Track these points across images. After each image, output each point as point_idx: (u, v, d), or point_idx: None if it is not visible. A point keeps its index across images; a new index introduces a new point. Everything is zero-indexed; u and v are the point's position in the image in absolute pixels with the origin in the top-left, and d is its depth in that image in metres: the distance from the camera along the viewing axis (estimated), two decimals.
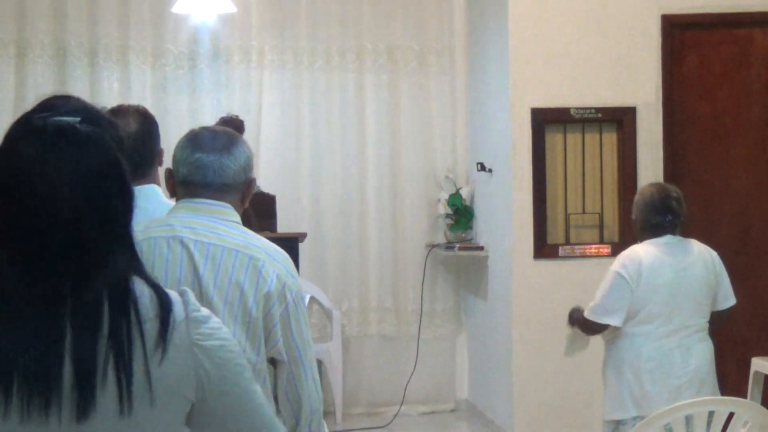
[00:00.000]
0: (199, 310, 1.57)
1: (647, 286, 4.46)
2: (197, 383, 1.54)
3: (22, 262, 1.46)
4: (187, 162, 2.67)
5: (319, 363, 6.88)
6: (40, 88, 6.93)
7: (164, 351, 1.49)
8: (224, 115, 6.26)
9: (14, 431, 1.42)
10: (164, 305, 1.52)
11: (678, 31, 6.23)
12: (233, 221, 2.68)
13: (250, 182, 2.74)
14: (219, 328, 1.59)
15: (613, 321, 4.54)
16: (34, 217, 1.46)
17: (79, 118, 1.51)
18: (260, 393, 1.64)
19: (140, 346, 1.47)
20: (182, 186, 2.69)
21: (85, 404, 1.43)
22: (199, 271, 2.57)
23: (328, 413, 6.89)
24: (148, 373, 1.47)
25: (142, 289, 1.52)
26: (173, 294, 1.56)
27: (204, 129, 2.76)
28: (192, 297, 1.58)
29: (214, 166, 2.66)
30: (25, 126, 1.51)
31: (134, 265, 1.54)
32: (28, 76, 6.94)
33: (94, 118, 1.54)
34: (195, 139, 2.70)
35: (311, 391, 2.68)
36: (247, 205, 2.78)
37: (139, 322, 1.48)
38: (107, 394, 1.44)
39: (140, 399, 1.47)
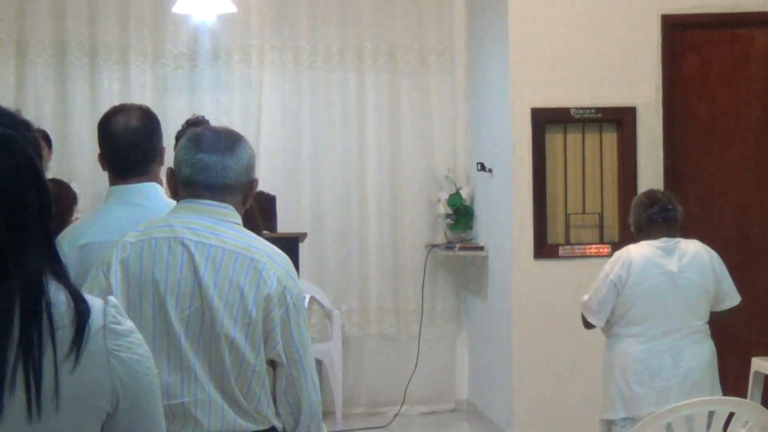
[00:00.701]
0: (119, 323, 1.55)
1: (634, 289, 4.48)
2: (113, 394, 1.52)
3: None
4: (189, 162, 2.67)
5: (319, 363, 6.88)
6: (40, 88, 6.93)
7: (77, 359, 1.47)
8: (191, 116, 6.28)
9: None
10: (81, 313, 1.50)
11: (678, 31, 6.23)
12: (234, 222, 2.67)
13: (251, 182, 2.74)
14: (139, 344, 1.57)
15: (594, 320, 4.59)
16: None
17: None
18: (161, 415, 1.63)
19: (51, 353, 1.45)
20: (184, 186, 2.69)
21: None
22: (199, 272, 2.57)
23: (328, 413, 6.90)
24: (57, 380, 1.45)
25: (58, 295, 1.50)
26: (95, 301, 1.54)
27: (206, 129, 2.76)
28: (115, 308, 1.56)
29: (217, 166, 2.66)
30: None
31: (53, 267, 1.52)
32: (28, 76, 6.93)
33: (5, 120, 1.52)
34: (197, 140, 2.69)
35: (310, 394, 2.68)
36: (248, 205, 2.78)
37: (52, 328, 1.46)
38: (15, 400, 1.43)
39: (49, 406, 1.45)
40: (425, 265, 7.20)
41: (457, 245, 7.02)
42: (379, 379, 7.27)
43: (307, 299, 6.52)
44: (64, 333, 1.48)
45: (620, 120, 6.22)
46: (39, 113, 6.89)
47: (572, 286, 5.98)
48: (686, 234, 4.72)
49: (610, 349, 4.63)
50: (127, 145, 3.16)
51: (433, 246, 7.19)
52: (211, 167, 2.65)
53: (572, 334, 5.96)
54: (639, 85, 6.19)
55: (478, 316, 7.09)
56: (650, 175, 6.16)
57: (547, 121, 6.20)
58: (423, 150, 7.31)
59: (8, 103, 6.86)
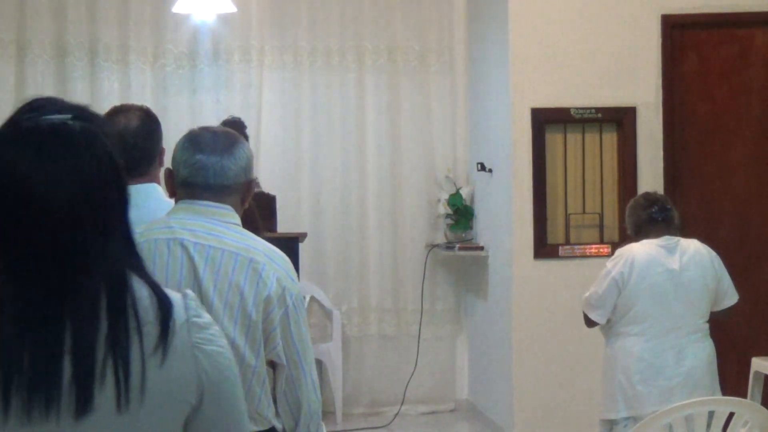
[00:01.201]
0: (200, 316, 1.56)
1: (636, 287, 4.48)
2: (198, 387, 1.53)
3: (19, 263, 1.45)
4: (187, 163, 2.66)
5: (319, 363, 6.88)
6: (40, 88, 6.93)
7: (164, 354, 1.49)
8: (227, 117, 6.29)
9: None
10: (164, 307, 1.51)
11: (678, 31, 6.23)
12: (233, 223, 2.67)
13: (250, 183, 2.73)
14: (219, 336, 1.58)
15: (595, 317, 4.59)
16: (32, 220, 1.45)
17: (69, 116, 1.50)
18: (245, 406, 1.64)
19: (138, 347, 1.46)
20: (182, 187, 2.69)
21: (83, 401, 1.42)
22: (199, 273, 2.57)
23: (328, 413, 6.89)
24: (144, 374, 1.46)
25: (141, 290, 1.51)
26: (174, 295, 1.55)
27: (204, 130, 2.75)
28: (194, 301, 1.57)
29: (215, 167, 2.65)
30: (14, 129, 1.49)
31: (133, 262, 1.52)
32: (28, 76, 6.94)
33: (85, 115, 1.52)
34: (195, 140, 2.69)
35: (310, 394, 2.68)
36: (247, 205, 2.77)
37: (138, 323, 1.47)
38: (105, 392, 1.44)
39: (136, 399, 1.46)
40: (425, 265, 7.20)
41: (457, 245, 7.02)
42: (379, 379, 7.27)
43: (307, 299, 6.53)
44: (150, 328, 1.49)
45: (620, 120, 6.22)
46: None
47: (572, 286, 5.98)
48: (686, 234, 4.72)
49: (611, 348, 4.63)
50: (127, 145, 3.16)
51: (433, 246, 7.19)
52: (210, 168, 2.65)
53: (572, 334, 5.96)
54: (639, 85, 6.19)
55: (478, 316, 7.09)
56: (650, 175, 6.16)
57: (547, 121, 6.20)
58: (423, 150, 7.31)
59: (8, 103, 6.87)
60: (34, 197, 1.45)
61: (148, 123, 3.24)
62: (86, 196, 1.47)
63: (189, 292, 1.60)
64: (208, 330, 1.56)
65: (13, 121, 1.50)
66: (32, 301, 1.44)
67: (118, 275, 1.49)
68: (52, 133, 1.47)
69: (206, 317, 1.57)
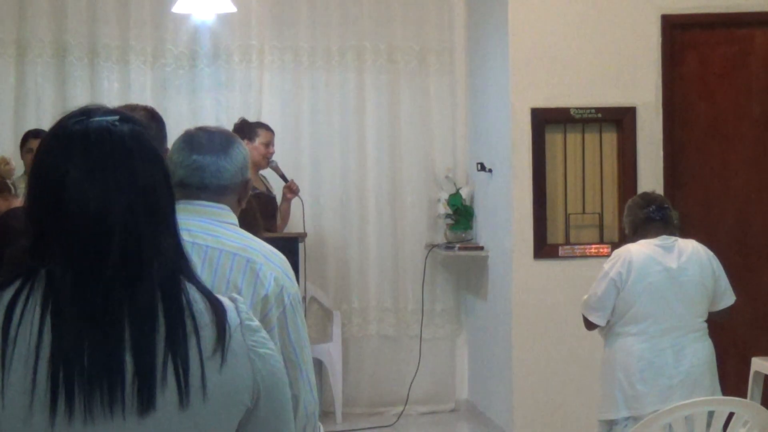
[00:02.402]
0: (251, 319, 1.58)
1: (635, 286, 4.48)
2: (253, 389, 1.55)
3: (77, 264, 1.46)
4: (183, 164, 2.66)
5: (320, 363, 6.88)
6: (40, 88, 6.93)
7: (223, 356, 1.51)
8: (236, 120, 6.39)
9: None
10: (219, 311, 1.53)
11: (678, 31, 6.23)
12: (230, 223, 2.67)
13: (246, 182, 2.74)
14: (269, 340, 1.61)
15: (595, 319, 4.59)
16: (88, 225, 1.46)
17: (117, 117, 1.51)
18: (292, 408, 1.67)
19: (196, 348, 1.48)
20: (179, 188, 2.68)
21: (147, 400, 1.44)
22: None
23: (329, 413, 6.89)
24: (203, 373, 1.48)
25: (194, 294, 1.52)
26: (224, 299, 1.57)
27: (200, 130, 2.75)
28: (243, 305, 1.59)
29: (211, 168, 2.65)
30: (65, 133, 1.50)
31: (183, 266, 1.54)
32: (28, 76, 6.93)
33: (129, 117, 1.53)
34: (191, 141, 2.69)
35: (307, 395, 2.67)
36: (243, 205, 2.78)
37: (195, 326, 1.49)
38: (167, 392, 1.46)
39: (196, 399, 1.48)
40: (425, 265, 7.20)
41: (457, 245, 7.02)
42: (379, 379, 7.27)
43: (307, 300, 6.53)
44: (207, 331, 1.50)
45: (620, 120, 6.22)
46: (39, 113, 6.89)
47: (572, 286, 5.98)
48: (685, 234, 4.72)
49: (611, 348, 4.63)
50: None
51: (433, 246, 7.19)
52: (206, 168, 2.65)
53: (572, 334, 5.96)
54: (639, 85, 6.19)
55: (478, 316, 7.09)
56: (650, 175, 6.16)
57: (547, 121, 6.20)
58: (423, 150, 7.31)
59: (8, 103, 6.87)
60: (89, 202, 1.46)
61: (152, 123, 3.25)
62: (141, 199, 1.48)
63: (237, 296, 1.61)
64: (260, 333, 1.58)
65: (62, 125, 1.51)
66: (90, 302, 1.45)
67: (172, 278, 1.50)
68: (101, 135, 1.49)
69: (256, 321, 1.60)
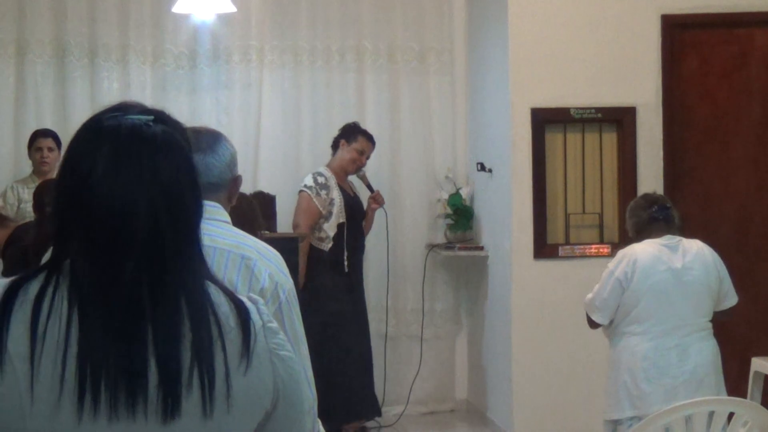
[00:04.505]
0: (272, 321, 1.58)
1: (639, 286, 4.48)
2: (274, 392, 1.54)
3: (101, 264, 1.45)
4: None
5: None
6: (40, 88, 6.93)
7: (249, 361, 1.50)
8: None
9: (103, 430, 1.42)
10: (243, 313, 1.52)
11: (678, 31, 6.23)
12: (222, 221, 2.68)
13: (236, 179, 2.74)
14: (287, 341, 1.60)
15: (599, 318, 4.59)
16: (111, 221, 1.45)
17: (152, 117, 1.51)
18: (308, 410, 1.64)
19: (222, 354, 1.47)
20: None
21: (171, 406, 1.43)
22: None
23: None
24: (229, 381, 1.47)
25: (218, 296, 1.51)
26: (245, 300, 1.56)
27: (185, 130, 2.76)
28: (263, 305, 1.59)
29: (199, 166, 2.65)
30: (96, 127, 1.49)
31: (205, 270, 1.53)
32: (28, 76, 6.93)
33: (165, 118, 1.53)
34: None
35: (305, 390, 2.68)
36: (234, 202, 2.79)
37: (221, 330, 1.48)
38: (192, 400, 1.45)
39: (221, 406, 1.47)
40: (425, 265, 7.20)
41: (457, 245, 7.02)
42: (379, 379, 7.26)
43: None
44: (233, 335, 1.49)
45: (620, 120, 6.22)
46: (39, 113, 6.90)
47: (572, 286, 5.98)
48: (685, 234, 4.72)
49: (615, 348, 4.62)
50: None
51: (433, 246, 7.19)
52: None
53: (572, 334, 5.97)
54: (639, 85, 6.20)
55: (478, 316, 7.09)
56: (650, 175, 6.16)
57: (547, 121, 6.20)
58: (423, 150, 7.30)
59: (8, 103, 6.87)
60: (114, 198, 1.45)
61: None
62: (164, 199, 1.47)
63: (255, 297, 1.61)
64: (280, 335, 1.57)
65: (96, 119, 1.51)
66: (112, 300, 1.44)
67: (196, 281, 1.49)
68: (132, 133, 1.48)
69: (275, 323, 1.59)
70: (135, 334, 1.43)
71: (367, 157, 6.62)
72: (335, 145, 6.64)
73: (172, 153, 1.50)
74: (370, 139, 6.61)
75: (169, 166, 1.48)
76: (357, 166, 6.59)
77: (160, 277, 1.46)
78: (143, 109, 1.52)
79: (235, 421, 1.49)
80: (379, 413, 6.70)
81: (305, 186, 6.49)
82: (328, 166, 6.61)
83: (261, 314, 1.56)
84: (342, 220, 6.46)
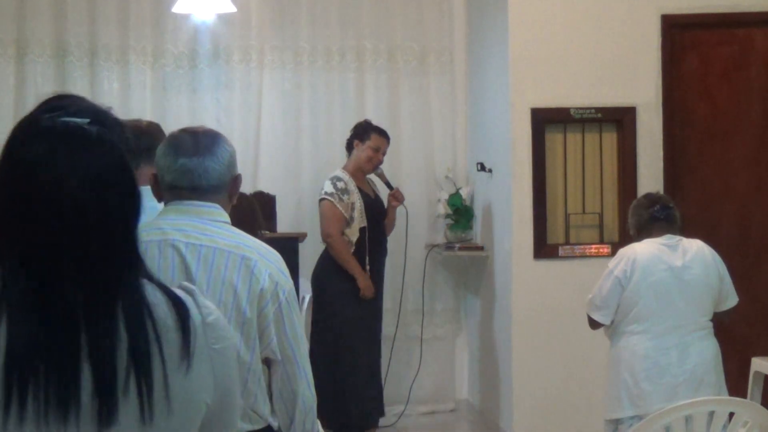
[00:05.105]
0: (210, 312, 1.56)
1: (639, 285, 4.48)
2: (215, 387, 1.54)
3: (31, 267, 1.43)
4: (171, 168, 2.67)
5: None
6: (40, 88, 6.93)
7: (189, 361, 1.49)
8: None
9: None
10: (182, 312, 1.50)
11: (678, 31, 6.23)
12: (223, 222, 2.69)
13: (235, 179, 2.75)
14: (224, 327, 1.58)
15: (599, 317, 4.59)
16: (42, 220, 1.44)
17: (88, 119, 1.50)
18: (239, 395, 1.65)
19: (159, 356, 1.45)
20: (169, 190, 2.70)
21: (106, 414, 1.41)
22: (191, 273, 2.58)
23: None
24: (168, 384, 1.45)
25: (156, 295, 1.50)
26: (181, 294, 1.54)
27: (184, 132, 2.76)
28: (199, 295, 1.57)
29: (199, 170, 2.67)
30: (33, 126, 1.49)
31: (142, 268, 1.51)
32: (28, 76, 6.93)
33: (103, 119, 1.52)
34: (176, 145, 2.70)
35: (305, 390, 2.69)
36: (234, 201, 2.79)
37: (157, 332, 1.46)
38: (129, 405, 1.43)
39: (161, 410, 1.45)
40: (425, 265, 7.20)
41: (457, 245, 7.02)
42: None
43: (307, 299, 6.52)
44: (172, 335, 1.48)
45: (620, 120, 6.22)
46: None
47: (572, 286, 5.98)
48: (686, 234, 4.72)
49: (615, 347, 4.62)
50: (137, 131, 3.27)
51: (433, 246, 7.19)
52: (193, 171, 2.66)
53: (572, 334, 5.97)
54: (639, 85, 6.19)
55: (478, 316, 7.09)
56: (650, 175, 6.16)
57: (547, 121, 6.20)
58: (423, 150, 7.31)
59: (8, 103, 6.87)
60: (44, 196, 1.44)
61: (144, 136, 3.37)
62: (96, 200, 1.46)
63: (187, 284, 1.58)
64: (217, 325, 1.56)
65: (33, 117, 1.51)
66: (42, 302, 1.42)
67: (132, 282, 1.48)
68: (67, 134, 1.47)
69: (210, 308, 1.57)
70: (67, 340, 1.41)
71: (383, 154, 6.51)
72: (349, 147, 6.51)
73: (105, 153, 1.48)
74: (383, 134, 6.51)
75: (101, 165, 1.47)
76: (374, 164, 6.46)
77: (94, 279, 1.43)
78: (81, 109, 1.51)
79: (178, 422, 1.47)
80: (382, 413, 6.68)
81: (326, 193, 6.30)
82: (345, 168, 6.46)
83: (200, 308, 1.54)
84: (363, 224, 6.31)
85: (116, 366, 1.42)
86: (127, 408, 1.42)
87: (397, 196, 6.59)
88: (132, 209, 1.50)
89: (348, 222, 6.28)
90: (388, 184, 6.61)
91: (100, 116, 1.52)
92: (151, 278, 1.52)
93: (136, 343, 1.44)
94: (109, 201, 1.47)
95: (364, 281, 6.22)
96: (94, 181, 1.46)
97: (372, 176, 6.63)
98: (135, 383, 1.43)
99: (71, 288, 1.42)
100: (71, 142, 1.47)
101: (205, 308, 1.55)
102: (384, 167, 6.92)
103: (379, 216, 6.50)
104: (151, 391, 1.43)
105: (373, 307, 6.44)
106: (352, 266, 6.22)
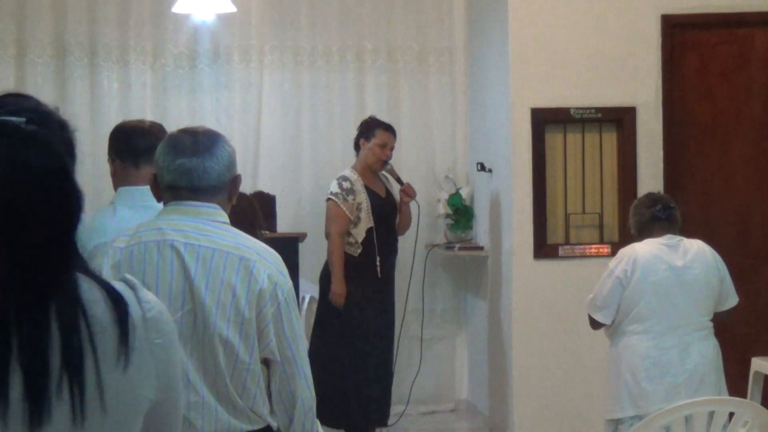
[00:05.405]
0: (151, 306, 1.54)
1: (640, 284, 4.48)
2: (158, 382, 1.52)
3: None
4: (170, 168, 2.67)
5: None
6: (40, 88, 6.93)
7: (127, 358, 1.47)
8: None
9: None
10: (121, 308, 1.48)
11: (678, 31, 6.23)
12: (222, 222, 2.69)
13: (235, 179, 2.75)
14: (166, 320, 1.56)
15: (601, 317, 4.58)
16: None
17: (24, 119, 1.48)
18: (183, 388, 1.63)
19: (92, 356, 1.43)
20: (168, 191, 2.70)
21: (37, 416, 1.38)
22: (190, 274, 2.58)
23: None
24: (103, 384, 1.43)
25: (93, 292, 1.48)
26: (123, 288, 1.52)
27: (183, 132, 2.76)
28: (141, 290, 1.54)
29: (198, 170, 2.67)
30: None
31: (79, 263, 1.48)
32: (28, 76, 6.93)
33: (43, 119, 1.51)
34: (175, 144, 2.70)
35: (304, 390, 2.69)
36: (234, 202, 2.79)
37: (91, 331, 1.43)
38: (63, 405, 1.41)
39: (96, 411, 1.43)
40: (425, 265, 7.20)
41: (457, 245, 7.02)
42: None
43: (307, 299, 6.52)
44: (109, 333, 1.46)
45: (620, 120, 6.22)
46: None
47: (572, 286, 5.98)
48: (685, 234, 4.72)
49: (616, 347, 4.62)
50: (140, 131, 3.26)
51: (433, 246, 7.18)
52: (193, 171, 2.66)
53: (572, 334, 5.97)
54: (639, 85, 6.19)
55: (478, 316, 7.09)
56: (650, 175, 6.16)
57: (547, 121, 6.20)
58: (423, 150, 7.30)
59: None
60: None
61: (160, 126, 3.39)
62: (28, 199, 1.43)
63: (129, 278, 1.56)
64: (159, 319, 1.54)
65: None
66: None
67: (65, 280, 1.45)
68: (1, 133, 1.46)
69: (152, 302, 1.55)
70: None
71: (391, 149, 6.41)
72: (357, 146, 6.45)
73: (39, 153, 1.46)
74: (388, 129, 6.41)
75: (35, 165, 1.44)
76: (382, 161, 6.36)
77: (25, 279, 1.41)
78: (20, 108, 1.50)
79: (117, 419, 1.46)
80: (385, 416, 6.64)
81: (331, 194, 6.26)
82: (354, 167, 6.41)
83: (140, 302, 1.52)
84: (370, 224, 6.24)
85: (49, 367, 1.40)
86: (61, 409, 1.40)
87: (408, 191, 6.48)
88: (68, 209, 1.47)
89: (354, 222, 6.24)
90: (398, 180, 6.50)
91: (41, 116, 1.51)
92: (93, 275, 1.49)
93: (68, 342, 1.41)
94: (42, 201, 1.44)
95: (338, 287, 6.15)
96: (27, 181, 1.44)
97: (383, 173, 6.56)
98: (67, 385, 1.40)
99: (1, 288, 1.40)
100: (4, 141, 1.45)
101: (147, 303, 1.53)
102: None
103: (390, 215, 6.43)
104: (83, 392, 1.41)
105: (387, 306, 6.38)
106: (336, 269, 6.16)
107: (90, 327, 1.44)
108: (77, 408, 1.41)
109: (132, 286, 1.54)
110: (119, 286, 1.52)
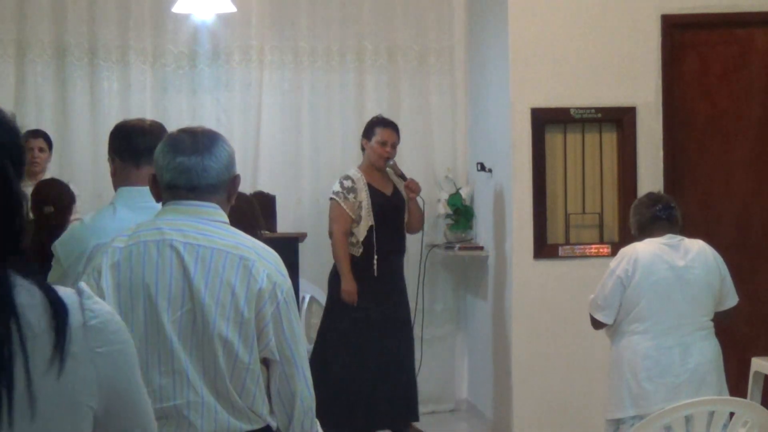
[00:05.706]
0: (96, 315, 1.51)
1: (641, 284, 4.48)
2: (99, 390, 1.50)
3: None
4: (169, 167, 2.68)
5: None
6: (40, 88, 6.93)
7: (61, 365, 1.44)
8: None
9: None
10: (58, 314, 1.46)
11: (678, 31, 6.23)
12: (221, 221, 2.69)
13: (234, 179, 2.75)
14: (117, 331, 1.54)
15: (602, 317, 4.58)
16: None
17: None
18: (147, 397, 1.61)
19: (22, 361, 1.41)
20: (167, 190, 2.70)
21: None
22: (189, 273, 2.58)
23: None
24: (33, 390, 1.41)
25: (32, 296, 1.45)
26: (67, 294, 1.50)
27: (182, 132, 2.76)
28: (89, 298, 1.52)
29: (197, 168, 2.67)
30: None
31: (18, 265, 1.46)
32: (28, 76, 6.93)
33: None
34: (174, 144, 2.70)
35: (303, 390, 2.69)
36: (233, 201, 2.79)
37: (22, 336, 1.41)
38: None
39: (24, 418, 1.41)
40: (425, 265, 7.19)
41: (457, 245, 7.02)
42: None
43: (307, 299, 6.52)
44: (44, 338, 1.44)
45: (620, 120, 6.22)
46: (39, 113, 6.90)
47: (572, 286, 5.98)
48: (686, 234, 4.72)
49: (617, 347, 4.62)
50: (140, 130, 3.26)
51: (433, 246, 7.18)
52: (192, 170, 2.66)
53: (572, 334, 5.97)
54: (639, 85, 6.19)
55: (478, 316, 7.09)
56: (650, 175, 6.16)
57: (547, 121, 6.20)
58: (423, 150, 7.30)
59: (8, 103, 6.87)
60: None
61: (160, 125, 3.40)
62: None
63: (82, 285, 1.55)
64: (104, 329, 1.52)
65: None
66: None
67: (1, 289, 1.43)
68: None
69: (102, 311, 1.53)
70: None
71: (393, 146, 6.36)
72: (363, 147, 6.43)
73: None
74: (388, 126, 6.38)
75: None
76: (384, 158, 6.33)
77: None
78: None
79: (47, 427, 1.44)
80: (391, 417, 6.58)
81: (333, 193, 6.27)
82: (359, 167, 6.39)
83: (84, 310, 1.50)
84: (371, 223, 6.23)
85: None
86: None
87: (411, 187, 6.42)
88: (7, 216, 1.45)
89: (356, 221, 6.23)
90: (401, 176, 6.46)
91: None
92: (38, 281, 1.47)
93: None
94: None
95: (347, 285, 6.15)
96: None
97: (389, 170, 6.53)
98: None
99: None
100: None
101: (91, 311, 1.50)
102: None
103: (396, 213, 6.39)
104: (11, 397, 1.39)
105: (391, 307, 6.33)
106: (343, 266, 6.17)
107: (21, 331, 1.41)
108: (4, 412, 1.38)
109: (80, 294, 1.52)
110: (65, 292, 1.50)
